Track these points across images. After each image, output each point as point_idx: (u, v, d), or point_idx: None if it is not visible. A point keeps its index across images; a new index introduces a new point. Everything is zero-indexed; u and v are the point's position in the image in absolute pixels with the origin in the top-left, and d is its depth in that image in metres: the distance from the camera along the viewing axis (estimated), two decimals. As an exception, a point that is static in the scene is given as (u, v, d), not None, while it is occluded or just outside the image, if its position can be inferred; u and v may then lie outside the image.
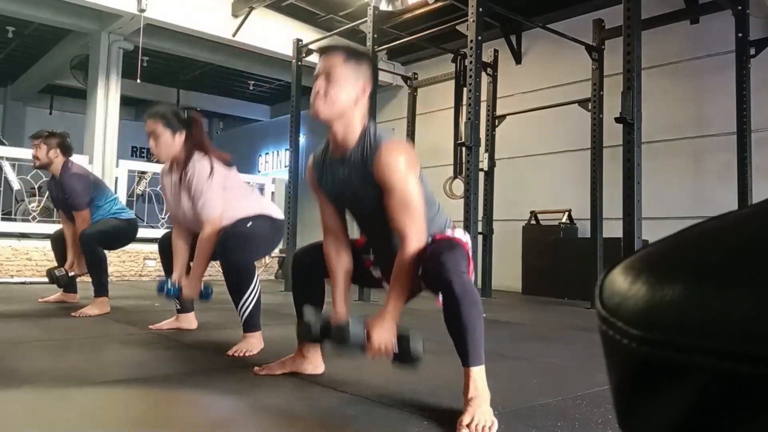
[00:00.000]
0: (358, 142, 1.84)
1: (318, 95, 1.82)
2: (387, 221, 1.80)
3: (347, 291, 2.02)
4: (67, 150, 3.88)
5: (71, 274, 3.94)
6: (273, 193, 8.14)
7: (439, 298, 1.75)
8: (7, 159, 6.56)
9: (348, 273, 2.01)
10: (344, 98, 1.82)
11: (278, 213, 2.97)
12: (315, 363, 2.20)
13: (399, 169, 1.76)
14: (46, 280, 5.77)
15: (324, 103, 1.82)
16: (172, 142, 2.80)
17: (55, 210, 6.70)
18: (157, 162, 2.87)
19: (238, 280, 2.61)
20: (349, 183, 1.87)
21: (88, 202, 3.78)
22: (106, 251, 3.83)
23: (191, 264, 3.03)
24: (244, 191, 2.94)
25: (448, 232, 1.91)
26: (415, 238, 1.76)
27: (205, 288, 2.81)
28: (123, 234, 3.95)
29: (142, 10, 6.71)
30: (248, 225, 2.72)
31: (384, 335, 1.71)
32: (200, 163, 2.75)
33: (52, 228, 6.45)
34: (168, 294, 2.81)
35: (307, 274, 2.13)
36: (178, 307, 3.18)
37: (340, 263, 2.00)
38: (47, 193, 6.75)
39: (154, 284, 2.94)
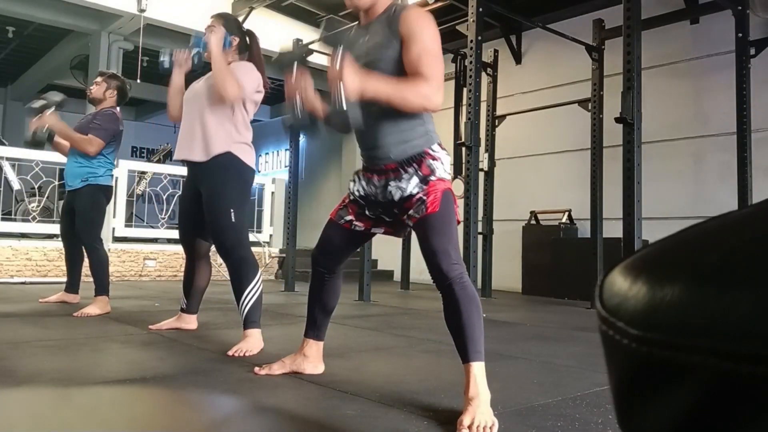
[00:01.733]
0: (386, 11, 1.93)
1: None
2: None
3: None
4: (122, 96, 3.99)
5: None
6: (273, 193, 8.14)
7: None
8: (7, 159, 6.56)
9: None
10: None
11: (252, 157, 2.90)
12: (315, 363, 2.20)
13: (426, 23, 1.83)
14: (46, 280, 5.75)
15: None
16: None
17: (55, 209, 6.71)
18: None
19: (242, 272, 2.72)
20: (367, 49, 1.89)
21: (105, 140, 3.78)
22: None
23: (197, 278, 3.14)
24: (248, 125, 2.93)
25: (438, 159, 1.98)
26: (426, 85, 1.75)
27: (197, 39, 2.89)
28: (105, 206, 3.95)
29: (142, 10, 6.72)
30: (233, 219, 2.72)
31: (354, 78, 1.66)
32: (243, 63, 2.85)
33: (52, 228, 6.47)
34: (198, 45, 2.84)
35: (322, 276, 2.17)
36: (183, 306, 3.18)
37: None
38: (47, 194, 6.79)
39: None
